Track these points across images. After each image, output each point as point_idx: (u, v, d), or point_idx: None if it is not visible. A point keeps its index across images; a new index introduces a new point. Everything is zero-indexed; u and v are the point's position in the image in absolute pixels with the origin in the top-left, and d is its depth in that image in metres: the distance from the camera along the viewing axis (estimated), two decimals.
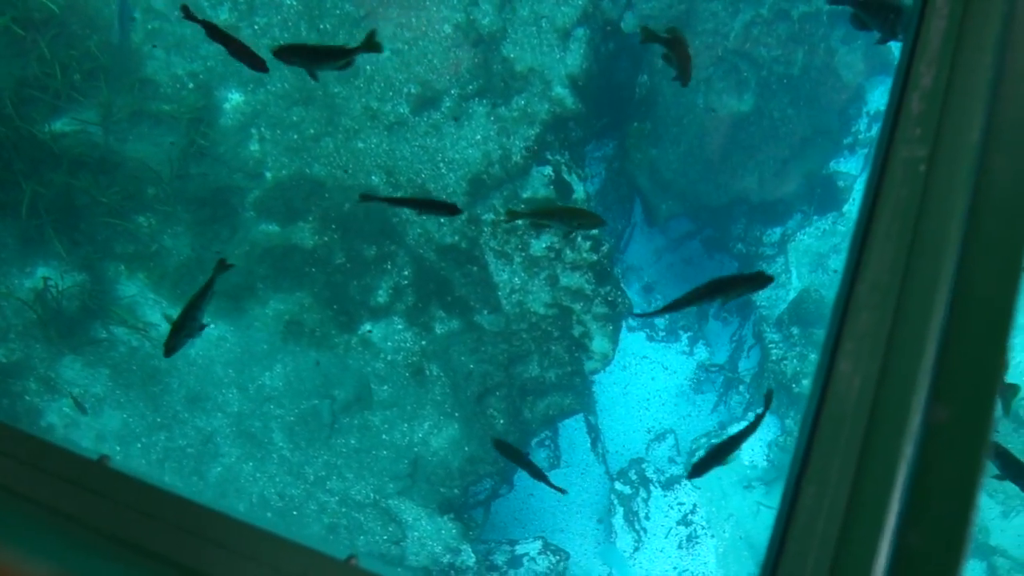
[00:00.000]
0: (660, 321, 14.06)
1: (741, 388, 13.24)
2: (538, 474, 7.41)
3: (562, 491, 8.54)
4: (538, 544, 10.92)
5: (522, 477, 12.24)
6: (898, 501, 1.58)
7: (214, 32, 5.57)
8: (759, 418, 5.77)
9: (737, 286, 5.32)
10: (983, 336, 1.71)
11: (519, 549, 10.84)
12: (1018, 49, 2.04)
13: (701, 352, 13.84)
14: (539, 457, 12.71)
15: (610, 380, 13.57)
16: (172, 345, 5.70)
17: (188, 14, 5.83)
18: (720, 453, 5.85)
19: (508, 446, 7.56)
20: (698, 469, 6.02)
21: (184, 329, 5.60)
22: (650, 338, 13.95)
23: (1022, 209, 1.84)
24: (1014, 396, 6.27)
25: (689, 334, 13.89)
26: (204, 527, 1.87)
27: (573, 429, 13.07)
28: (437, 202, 5.76)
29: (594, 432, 13.08)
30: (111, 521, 1.91)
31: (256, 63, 5.62)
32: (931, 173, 1.95)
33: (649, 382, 13.65)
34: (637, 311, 14.13)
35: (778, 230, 13.43)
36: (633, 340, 13.95)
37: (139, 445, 9.32)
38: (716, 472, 12.16)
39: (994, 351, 1.69)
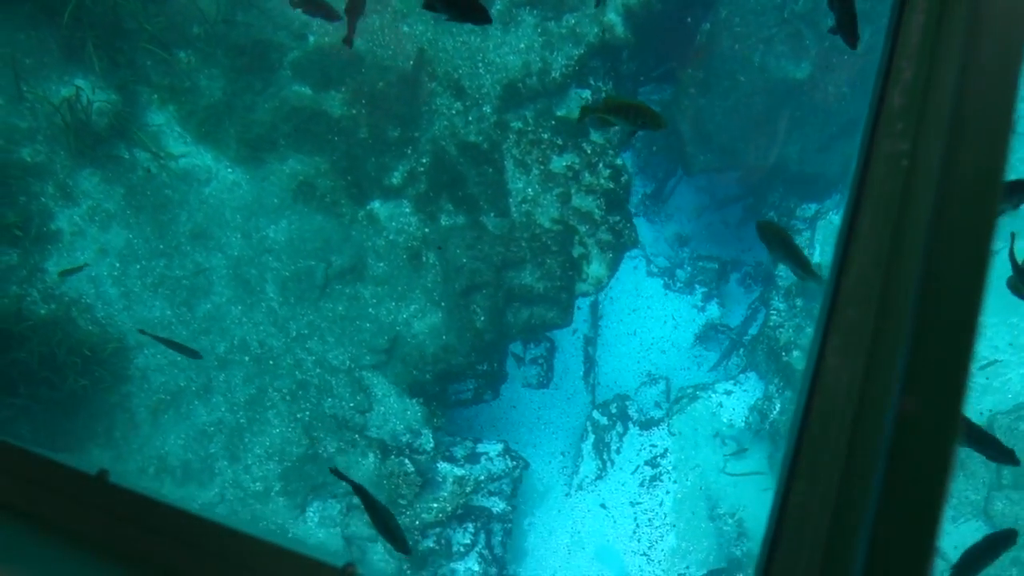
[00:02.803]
0: (681, 272, 14.18)
1: (742, 352, 13.36)
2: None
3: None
4: (499, 447, 11.23)
5: (508, 388, 12.60)
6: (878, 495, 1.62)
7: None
8: None
9: None
10: (951, 328, 1.73)
11: (480, 448, 11.16)
12: (982, 41, 2.04)
13: (714, 310, 13.93)
14: (530, 374, 13.03)
15: (617, 319, 13.78)
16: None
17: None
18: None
19: None
20: None
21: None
22: (667, 286, 14.09)
23: (986, 202, 1.85)
24: None
25: (704, 290, 13.99)
26: (202, 538, 1.88)
27: (570, 355, 13.34)
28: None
29: (590, 363, 13.32)
30: (111, 535, 1.93)
31: (481, 16, 5.64)
32: (913, 167, 1.96)
33: (657, 327, 13.81)
34: (661, 258, 14.29)
35: (813, 206, 13.41)
36: (649, 285, 14.10)
37: (138, 266, 9.79)
38: (693, 423, 12.44)
39: (963, 342, 1.70)
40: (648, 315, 13.94)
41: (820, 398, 1.76)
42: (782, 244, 5.90)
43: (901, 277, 1.82)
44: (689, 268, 14.22)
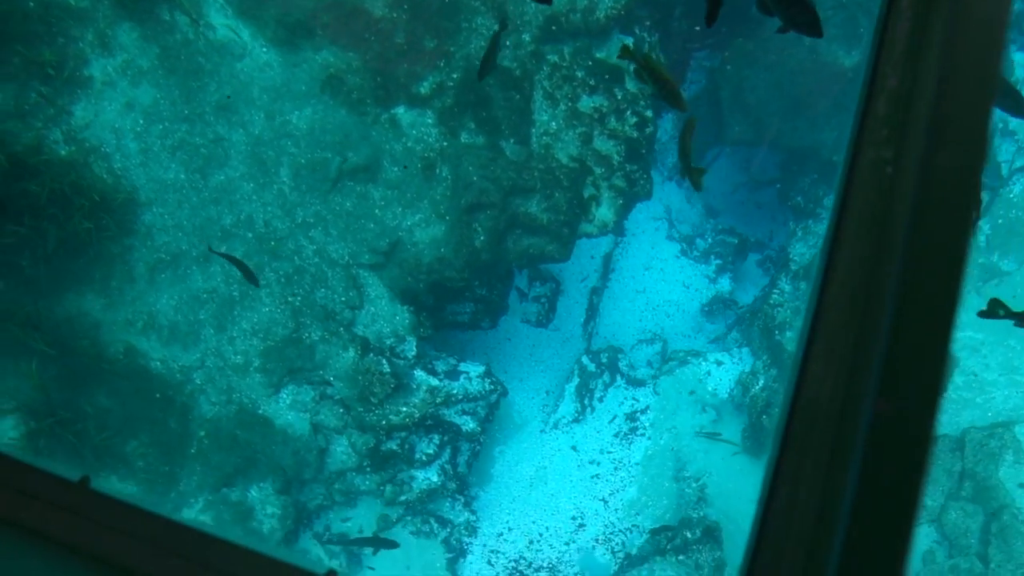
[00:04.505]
0: (700, 241, 14.22)
1: (743, 327, 13.41)
2: None
3: None
4: (481, 368, 11.41)
5: (507, 320, 12.78)
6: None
7: None
8: None
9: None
10: (927, 333, 1.71)
11: (462, 366, 11.36)
12: (961, 47, 2.00)
13: (725, 284, 13.97)
14: (530, 311, 13.20)
15: (629, 274, 13.88)
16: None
17: None
18: None
19: None
20: None
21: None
22: (684, 252, 14.14)
23: (962, 208, 1.84)
24: None
25: (720, 263, 14.02)
26: (184, 546, 1.88)
27: (574, 300, 13.48)
28: None
29: (592, 311, 13.45)
30: (91, 542, 1.91)
31: None
32: (897, 174, 1.93)
33: (666, 290, 13.89)
34: (686, 225, 14.34)
35: None
36: (667, 248, 14.17)
37: (161, 127, 10.05)
38: (678, 386, 12.54)
39: (938, 347, 1.69)
40: (659, 277, 14.02)
41: (803, 402, 1.76)
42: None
43: (883, 284, 1.81)
44: (710, 239, 14.24)
